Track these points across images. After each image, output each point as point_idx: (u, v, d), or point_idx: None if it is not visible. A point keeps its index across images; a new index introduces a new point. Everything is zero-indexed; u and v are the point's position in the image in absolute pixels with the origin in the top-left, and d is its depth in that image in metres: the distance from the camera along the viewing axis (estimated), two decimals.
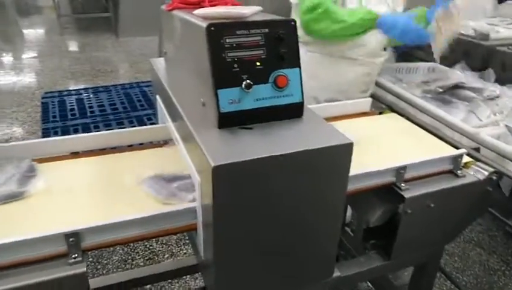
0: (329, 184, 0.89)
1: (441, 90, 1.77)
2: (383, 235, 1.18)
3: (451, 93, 1.77)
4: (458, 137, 1.40)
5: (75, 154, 1.24)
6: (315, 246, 0.96)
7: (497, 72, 1.95)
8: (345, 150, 0.86)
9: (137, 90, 3.18)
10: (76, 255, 0.84)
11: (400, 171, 1.09)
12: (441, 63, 1.80)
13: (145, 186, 1.05)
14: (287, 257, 0.94)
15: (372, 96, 1.66)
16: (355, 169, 0.96)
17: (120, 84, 3.40)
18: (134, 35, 5.76)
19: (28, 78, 4.45)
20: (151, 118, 2.64)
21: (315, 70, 1.66)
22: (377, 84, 1.81)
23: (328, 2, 1.49)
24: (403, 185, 1.10)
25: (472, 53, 2.15)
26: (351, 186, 1.00)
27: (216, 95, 0.85)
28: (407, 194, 1.08)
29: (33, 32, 6.69)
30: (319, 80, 1.67)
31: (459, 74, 1.89)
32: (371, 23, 1.48)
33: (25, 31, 6.76)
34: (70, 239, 0.84)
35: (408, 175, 1.11)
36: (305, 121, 0.94)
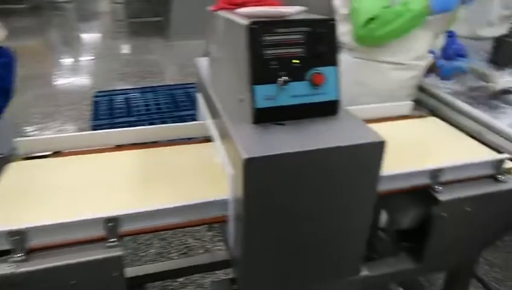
0: (360, 182, 0.89)
1: (488, 95, 1.71)
2: (416, 238, 1.16)
3: (499, 98, 1.70)
4: (503, 142, 1.34)
5: (119, 147, 1.32)
6: (342, 243, 0.96)
7: None
8: (377, 149, 0.86)
9: (182, 92, 3.29)
10: (114, 239, 0.89)
11: (435, 173, 1.06)
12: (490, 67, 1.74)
13: None
14: (315, 252, 0.95)
15: (414, 100, 1.62)
16: (390, 169, 0.95)
17: (166, 86, 3.52)
18: (183, 38, 5.92)
19: (82, 79, 4.73)
20: (194, 118, 2.71)
21: (361, 76, 1.65)
22: (420, 88, 1.77)
23: (383, 13, 1.46)
24: (439, 187, 1.07)
25: None
26: (385, 187, 1.00)
27: (252, 91, 0.88)
28: (442, 197, 1.05)
29: (90, 36, 7.07)
30: (366, 86, 1.65)
31: (508, 79, 1.81)
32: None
33: (83, 35, 7.16)
34: (109, 224, 0.89)
35: (445, 178, 1.08)
36: (339, 119, 0.94)
